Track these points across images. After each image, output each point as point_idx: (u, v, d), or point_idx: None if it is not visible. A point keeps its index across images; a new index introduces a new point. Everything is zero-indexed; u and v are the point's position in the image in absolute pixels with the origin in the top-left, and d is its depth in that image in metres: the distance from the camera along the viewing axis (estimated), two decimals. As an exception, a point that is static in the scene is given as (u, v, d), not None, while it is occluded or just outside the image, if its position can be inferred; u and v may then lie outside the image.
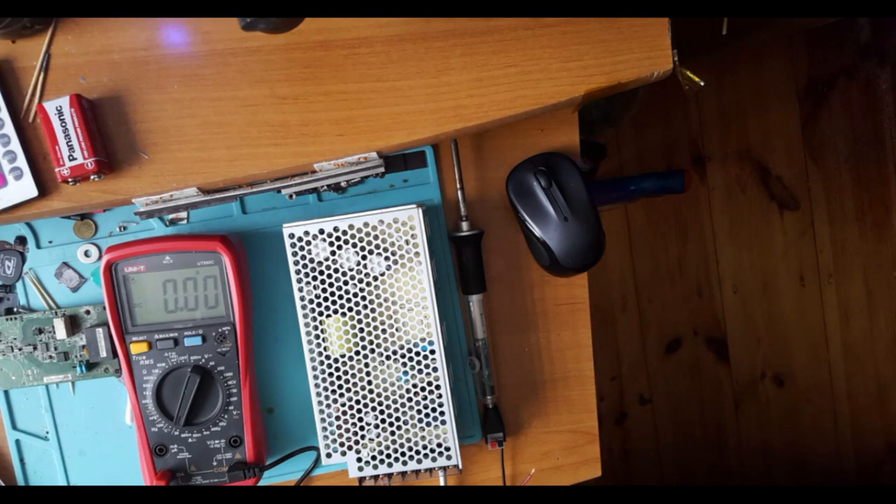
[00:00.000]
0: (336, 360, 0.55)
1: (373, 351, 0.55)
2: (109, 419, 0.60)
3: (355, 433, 0.55)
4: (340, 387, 0.55)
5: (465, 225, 0.59)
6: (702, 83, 0.59)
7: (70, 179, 0.51)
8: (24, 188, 0.52)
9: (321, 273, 0.54)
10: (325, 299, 0.54)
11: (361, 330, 0.55)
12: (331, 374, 0.55)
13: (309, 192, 0.59)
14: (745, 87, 1.46)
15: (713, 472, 1.53)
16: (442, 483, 0.59)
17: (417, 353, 0.55)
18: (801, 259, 1.49)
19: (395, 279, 0.55)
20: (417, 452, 0.55)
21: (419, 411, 0.55)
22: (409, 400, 0.55)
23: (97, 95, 0.52)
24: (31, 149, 0.52)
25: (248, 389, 0.56)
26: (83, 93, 0.52)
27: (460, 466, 0.56)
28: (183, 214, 0.59)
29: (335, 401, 0.55)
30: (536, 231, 0.58)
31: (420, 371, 0.55)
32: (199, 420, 0.56)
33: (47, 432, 0.60)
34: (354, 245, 0.54)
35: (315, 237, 0.54)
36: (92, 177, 0.51)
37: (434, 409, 0.55)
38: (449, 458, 0.55)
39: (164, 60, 0.52)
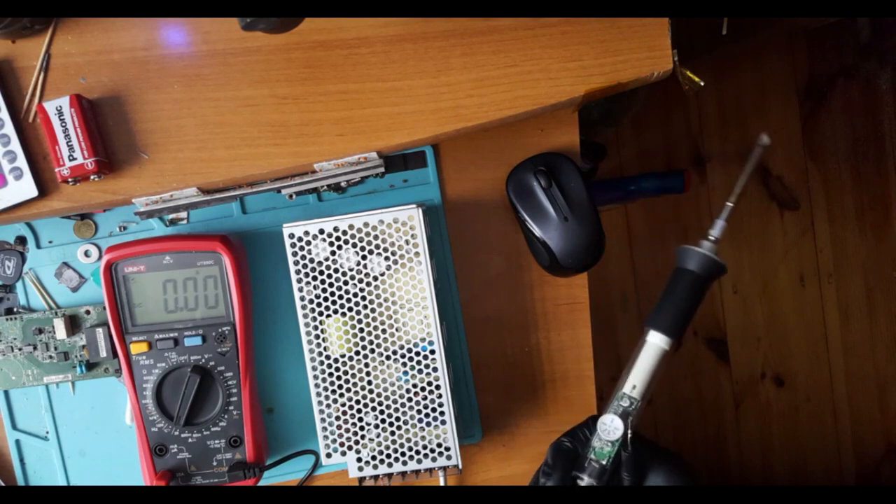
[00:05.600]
0: (336, 360, 0.55)
1: (373, 351, 0.55)
2: (109, 419, 0.60)
3: (355, 433, 0.55)
4: (340, 387, 0.55)
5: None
6: (702, 83, 0.59)
7: (70, 179, 0.51)
8: (24, 188, 0.52)
9: (321, 273, 0.54)
10: (325, 299, 0.54)
11: (361, 330, 0.55)
12: (331, 374, 0.55)
13: (309, 192, 0.59)
14: (745, 86, 1.46)
15: (713, 472, 1.53)
16: (442, 483, 0.59)
17: (417, 353, 0.55)
18: (801, 259, 1.49)
19: (395, 279, 0.54)
20: (417, 452, 0.55)
21: (419, 411, 0.55)
22: (409, 400, 0.55)
23: (97, 95, 0.52)
24: (31, 149, 0.52)
25: (248, 389, 0.56)
26: (83, 93, 0.51)
27: (460, 466, 0.56)
28: (183, 214, 0.59)
29: (335, 401, 0.55)
30: (536, 231, 0.58)
31: (420, 371, 0.55)
32: (199, 420, 0.56)
33: (47, 432, 0.60)
34: (354, 245, 0.54)
35: (315, 237, 0.54)
36: (92, 177, 0.51)
37: (434, 409, 0.55)
38: (449, 458, 0.55)
39: (164, 60, 0.52)
